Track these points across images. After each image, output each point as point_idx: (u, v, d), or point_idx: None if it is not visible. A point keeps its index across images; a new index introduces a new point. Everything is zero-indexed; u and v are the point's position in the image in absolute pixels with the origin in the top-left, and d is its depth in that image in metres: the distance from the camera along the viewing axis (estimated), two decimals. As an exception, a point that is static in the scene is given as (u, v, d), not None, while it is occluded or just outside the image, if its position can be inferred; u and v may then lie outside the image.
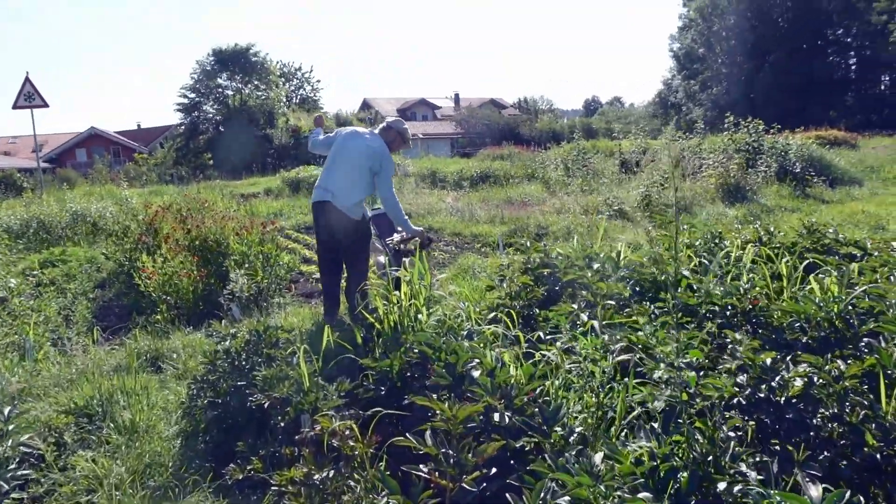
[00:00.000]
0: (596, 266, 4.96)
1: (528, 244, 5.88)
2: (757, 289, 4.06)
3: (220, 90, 37.98)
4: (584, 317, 4.17)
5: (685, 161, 12.36)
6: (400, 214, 5.32)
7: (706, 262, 5.15)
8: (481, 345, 3.43)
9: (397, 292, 4.38)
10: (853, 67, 52.29)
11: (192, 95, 37.38)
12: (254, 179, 24.26)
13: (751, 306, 3.83)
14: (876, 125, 36.23)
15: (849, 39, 51.46)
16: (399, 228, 5.63)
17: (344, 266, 5.61)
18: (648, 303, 4.46)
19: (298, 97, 54.32)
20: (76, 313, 6.79)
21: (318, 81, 64.96)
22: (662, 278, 4.67)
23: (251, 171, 28.68)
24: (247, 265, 6.68)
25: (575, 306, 4.38)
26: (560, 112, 79.11)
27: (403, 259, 5.79)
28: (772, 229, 5.89)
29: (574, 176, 14.63)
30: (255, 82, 38.45)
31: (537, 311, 4.85)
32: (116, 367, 4.73)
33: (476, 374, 2.96)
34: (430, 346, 3.22)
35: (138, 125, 54.22)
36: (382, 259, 5.89)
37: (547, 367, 3.30)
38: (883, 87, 50.60)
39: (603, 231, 8.47)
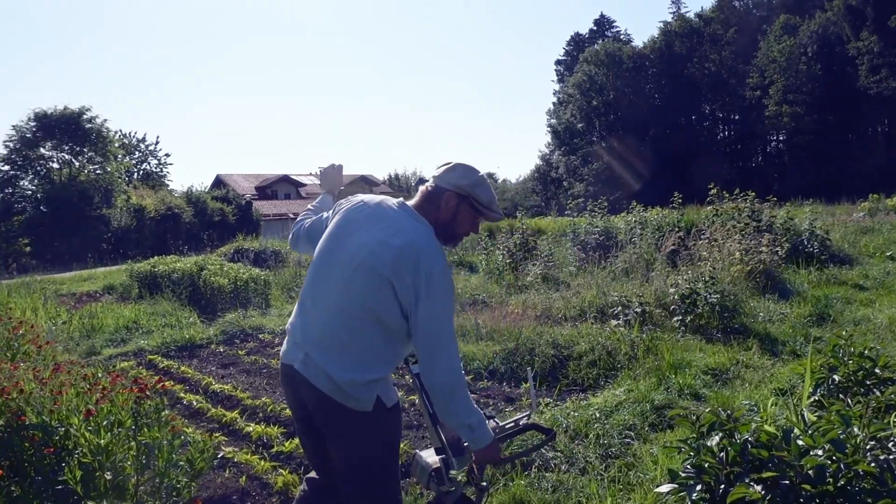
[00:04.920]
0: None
1: (697, 417, 3.26)
2: None
3: (42, 162, 32.80)
4: None
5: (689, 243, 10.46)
6: (463, 411, 2.47)
7: None
8: None
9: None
10: (728, 140, 55.81)
11: (6, 168, 31.92)
12: (88, 272, 20.00)
13: None
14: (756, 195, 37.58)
15: (721, 114, 55.07)
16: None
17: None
18: None
19: (142, 172, 49.50)
20: None
21: (167, 156, 60.05)
22: None
23: (83, 261, 24.18)
24: (109, 474, 3.52)
25: None
26: (433, 188, 78.96)
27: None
28: None
29: (527, 263, 12.33)
30: (89, 153, 33.71)
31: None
32: None
33: None
34: None
35: (-67, 205, 46.62)
36: (428, 459, 3.04)
37: None
38: (761, 159, 54.19)
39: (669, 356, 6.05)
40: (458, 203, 2.57)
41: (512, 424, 2.91)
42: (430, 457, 3.07)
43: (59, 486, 3.49)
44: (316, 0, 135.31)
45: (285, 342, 2.67)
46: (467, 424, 2.47)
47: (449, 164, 2.64)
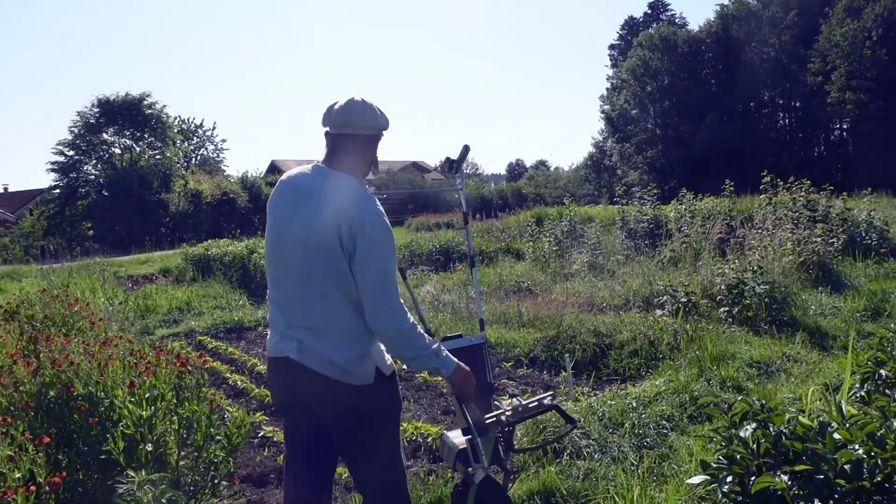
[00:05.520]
0: None
1: (729, 406, 3.18)
2: None
3: (105, 147, 33.91)
4: None
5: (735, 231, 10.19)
6: (423, 346, 2.44)
7: None
8: None
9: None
10: (788, 129, 53.95)
11: (71, 153, 33.10)
12: (146, 255, 20.65)
13: None
14: (815, 185, 36.14)
15: (780, 101, 53.20)
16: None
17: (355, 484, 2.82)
18: None
19: (199, 157, 50.67)
20: None
21: (224, 141, 61.26)
22: None
23: (142, 244, 24.98)
24: (151, 446, 3.63)
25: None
26: (485, 177, 78.74)
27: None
28: None
29: (571, 251, 12.20)
30: (149, 139, 34.70)
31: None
32: None
33: None
34: None
35: (5, 188, 48.75)
36: (455, 440, 3.06)
37: None
38: (823, 148, 52.27)
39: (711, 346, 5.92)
40: (374, 140, 2.61)
41: (535, 403, 2.89)
42: (456, 437, 3.09)
43: (103, 456, 3.63)
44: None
45: (270, 338, 2.64)
46: (431, 353, 2.45)
47: (345, 107, 2.53)
